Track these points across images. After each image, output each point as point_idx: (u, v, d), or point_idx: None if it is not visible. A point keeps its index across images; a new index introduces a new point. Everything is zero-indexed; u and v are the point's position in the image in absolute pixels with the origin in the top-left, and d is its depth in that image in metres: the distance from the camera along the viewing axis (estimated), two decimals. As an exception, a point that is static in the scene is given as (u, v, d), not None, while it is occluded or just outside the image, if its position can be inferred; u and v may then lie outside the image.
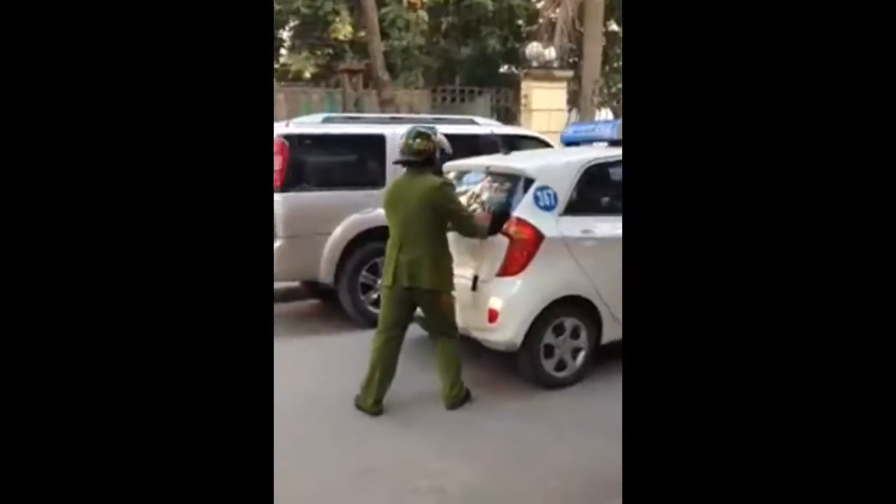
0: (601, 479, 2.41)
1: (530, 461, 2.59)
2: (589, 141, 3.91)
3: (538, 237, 3.10)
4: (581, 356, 3.32)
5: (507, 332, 3.10)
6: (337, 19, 10.22)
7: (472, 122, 5.47)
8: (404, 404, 3.09)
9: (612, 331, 3.37)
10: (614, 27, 11.85)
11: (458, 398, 3.06)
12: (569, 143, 4.11)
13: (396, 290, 2.93)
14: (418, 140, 2.93)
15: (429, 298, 2.95)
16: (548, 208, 3.17)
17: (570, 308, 3.23)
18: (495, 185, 3.37)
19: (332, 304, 4.53)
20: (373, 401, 2.97)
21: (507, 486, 2.43)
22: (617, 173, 3.45)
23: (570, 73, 9.80)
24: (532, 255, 3.09)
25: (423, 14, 10.27)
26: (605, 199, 3.42)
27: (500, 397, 3.19)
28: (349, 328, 4.26)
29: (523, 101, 9.43)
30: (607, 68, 11.18)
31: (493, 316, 3.10)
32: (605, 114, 10.53)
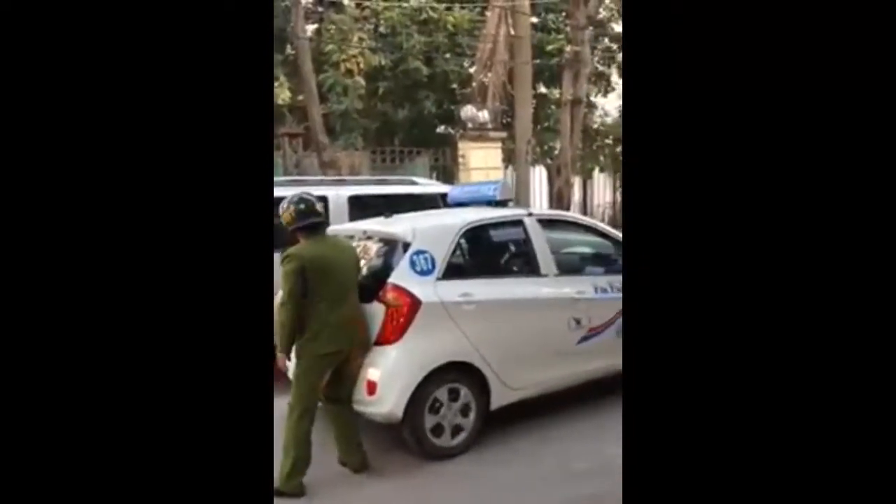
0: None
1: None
2: (475, 202, 3.96)
3: (415, 303, 3.06)
4: (470, 425, 3.23)
5: (387, 405, 3.00)
6: (275, 84, 10.42)
7: (413, 182, 5.61)
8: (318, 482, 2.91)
9: (502, 395, 3.32)
10: (543, 90, 12.41)
11: (364, 459, 3.04)
12: (456, 203, 4.17)
13: (337, 356, 2.91)
14: (312, 202, 2.96)
15: (352, 357, 2.95)
16: (425, 273, 3.16)
17: (454, 375, 3.17)
18: (373, 249, 3.37)
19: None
20: (298, 481, 2.83)
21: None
22: (497, 234, 3.50)
23: (503, 134, 10.13)
24: (409, 322, 3.04)
25: (360, 79, 10.55)
26: (486, 262, 3.44)
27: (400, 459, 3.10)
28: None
29: (461, 160, 9.67)
30: (538, 128, 11.62)
31: (371, 388, 3.01)
32: (539, 171, 10.87)
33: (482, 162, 9.54)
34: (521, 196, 9.41)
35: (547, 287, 3.55)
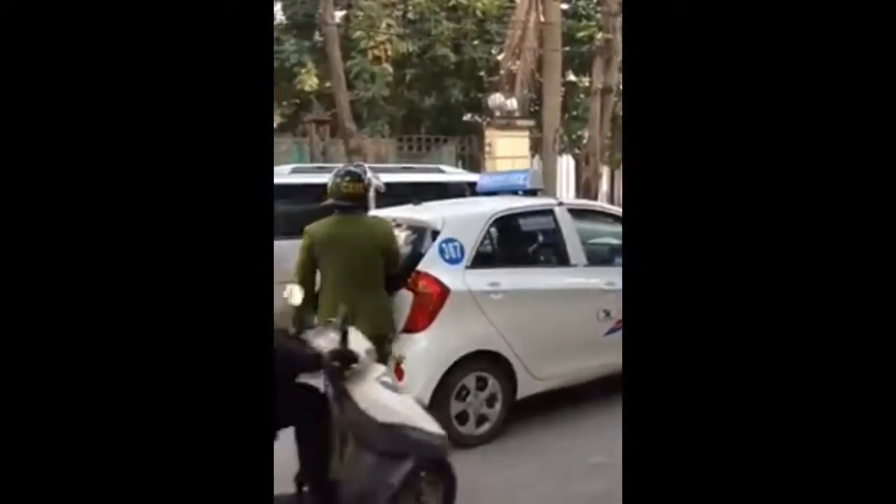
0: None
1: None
2: (504, 191, 3.91)
3: (444, 291, 3.04)
4: (496, 413, 3.23)
5: (414, 391, 2.98)
6: (303, 71, 10.46)
7: (440, 171, 5.60)
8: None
9: (528, 385, 3.31)
10: (572, 77, 12.22)
11: None
12: (485, 192, 4.12)
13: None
14: (348, 182, 2.85)
15: (383, 345, 2.88)
16: (454, 261, 3.14)
17: (481, 363, 3.16)
18: (402, 236, 3.36)
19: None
20: None
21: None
22: (527, 224, 3.46)
23: (531, 122, 10.03)
24: (437, 310, 3.03)
25: (388, 66, 10.54)
26: (515, 251, 3.42)
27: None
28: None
29: (487, 149, 9.61)
30: (566, 117, 11.46)
31: (399, 374, 3.02)
32: (566, 160, 10.73)
33: (509, 151, 9.45)
34: (547, 186, 9.28)
35: (576, 277, 3.50)
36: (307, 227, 2.90)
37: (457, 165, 9.03)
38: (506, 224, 3.42)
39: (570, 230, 3.54)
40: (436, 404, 3.04)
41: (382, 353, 2.93)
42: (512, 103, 9.75)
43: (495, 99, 9.71)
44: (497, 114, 9.57)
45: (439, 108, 11.46)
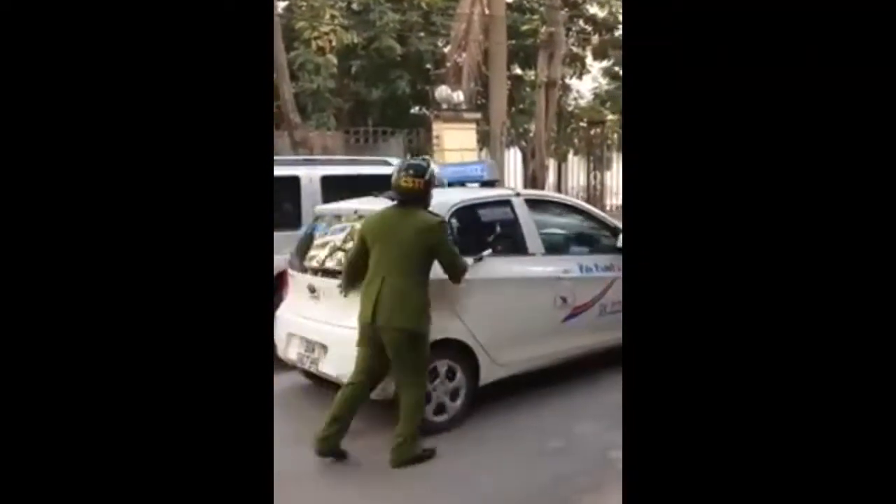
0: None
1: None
2: (462, 182, 3.94)
3: (406, 281, 3.05)
4: (459, 400, 3.27)
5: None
6: (244, 62, 10.12)
7: (386, 163, 5.54)
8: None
9: (490, 372, 3.36)
10: (518, 71, 12.39)
11: (399, 454, 2.87)
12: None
13: (374, 329, 2.83)
14: (406, 176, 2.88)
15: (405, 339, 2.82)
16: (415, 252, 3.14)
17: (444, 351, 3.18)
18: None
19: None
20: (328, 446, 2.86)
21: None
22: (486, 214, 3.50)
23: (478, 115, 10.09)
24: (400, 299, 3.04)
25: (332, 58, 10.34)
26: (475, 240, 3.44)
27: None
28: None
29: (435, 141, 9.60)
30: (513, 110, 11.61)
31: None
32: (514, 153, 10.89)
33: (457, 143, 9.48)
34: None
35: (534, 266, 3.57)
36: (366, 217, 3.06)
37: (405, 158, 8.99)
38: (466, 214, 3.44)
39: (527, 220, 3.61)
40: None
41: (413, 349, 2.85)
42: (459, 96, 9.76)
43: (442, 91, 9.69)
44: (444, 106, 9.57)
45: (386, 101, 11.36)
